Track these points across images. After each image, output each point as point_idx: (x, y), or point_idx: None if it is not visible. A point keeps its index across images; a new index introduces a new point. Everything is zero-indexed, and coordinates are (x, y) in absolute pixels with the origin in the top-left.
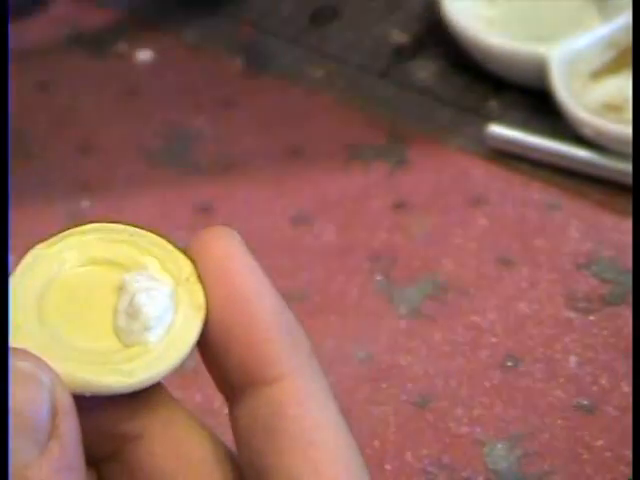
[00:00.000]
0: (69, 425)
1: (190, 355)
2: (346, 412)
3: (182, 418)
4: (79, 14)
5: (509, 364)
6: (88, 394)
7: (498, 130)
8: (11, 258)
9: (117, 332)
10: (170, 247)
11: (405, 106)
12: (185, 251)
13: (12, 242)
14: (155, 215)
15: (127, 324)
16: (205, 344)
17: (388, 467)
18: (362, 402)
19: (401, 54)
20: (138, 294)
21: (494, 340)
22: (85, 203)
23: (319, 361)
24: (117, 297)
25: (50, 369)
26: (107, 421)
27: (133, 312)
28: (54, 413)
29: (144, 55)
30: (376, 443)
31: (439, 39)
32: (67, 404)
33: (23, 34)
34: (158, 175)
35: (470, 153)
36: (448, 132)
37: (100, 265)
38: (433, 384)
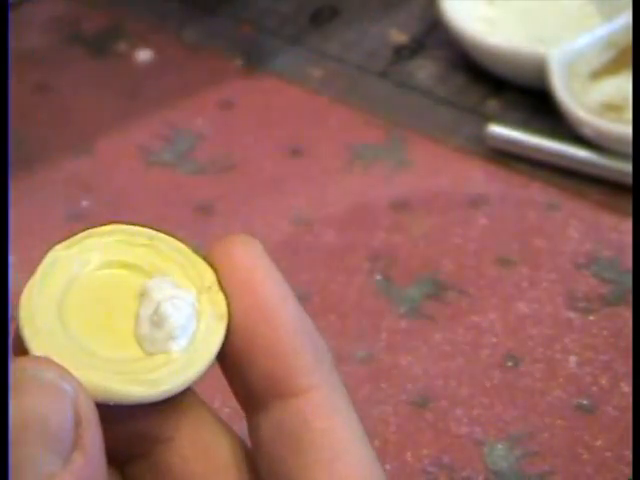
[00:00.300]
0: (92, 435)
1: (212, 365)
2: None
3: (211, 421)
4: (79, 14)
5: (509, 364)
6: (111, 403)
7: (498, 130)
8: (11, 259)
9: (139, 340)
10: (190, 253)
11: (405, 106)
12: (205, 258)
13: (12, 242)
14: (155, 215)
15: (151, 332)
16: (227, 354)
17: (388, 467)
18: (362, 402)
19: (401, 54)
20: (163, 302)
21: (494, 340)
22: (85, 203)
23: None
24: (139, 303)
25: (73, 378)
26: (138, 423)
27: (158, 321)
28: (77, 423)
29: (144, 55)
30: (376, 443)
31: (439, 39)
32: (90, 414)
33: (23, 34)
34: (158, 175)
35: (470, 153)
36: (448, 132)
37: (120, 269)
38: (433, 384)
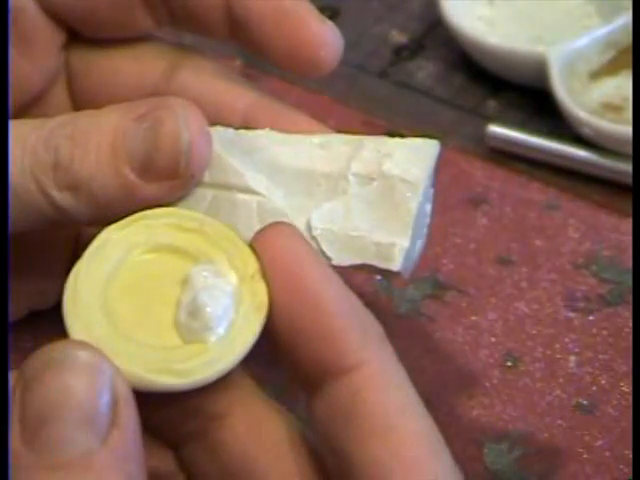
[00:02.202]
0: (129, 414)
1: (245, 356)
2: None
3: (262, 400)
4: None
5: (509, 364)
6: (143, 390)
7: (497, 130)
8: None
9: (178, 327)
10: (237, 240)
11: (404, 106)
12: (251, 245)
13: None
14: None
15: (188, 321)
16: (275, 339)
17: None
18: None
19: (400, 54)
20: (201, 293)
21: (494, 340)
22: None
23: None
24: (181, 290)
25: (108, 359)
26: (191, 400)
27: (194, 311)
28: (115, 402)
29: None
30: None
31: (438, 39)
32: (126, 394)
33: None
34: None
35: (470, 153)
36: (447, 132)
37: (168, 253)
38: (433, 384)
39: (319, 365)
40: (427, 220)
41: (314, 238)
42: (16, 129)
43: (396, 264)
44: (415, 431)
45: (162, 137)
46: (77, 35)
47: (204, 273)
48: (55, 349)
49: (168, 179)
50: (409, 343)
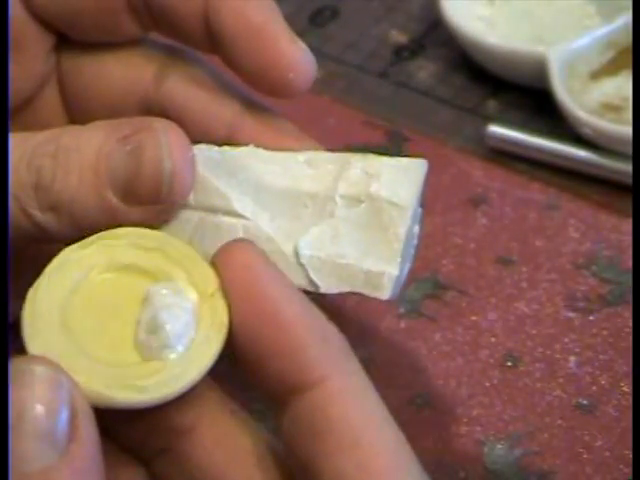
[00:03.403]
0: (88, 428)
1: (206, 375)
2: None
3: (229, 411)
4: None
5: (509, 364)
6: (102, 407)
7: (497, 130)
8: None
9: (137, 345)
10: (198, 258)
11: (405, 106)
12: (212, 263)
13: None
14: None
15: (147, 339)
16: (238, 357)
17: None
18: None
19: (400, 54)
20: (160, 311)
21: (494, 340)
22: None
23: None
24: (141, 309)
25: (66, 374)
26: (157, 414)
27: (153, 328)
28: (74, 415)
29: None
30: None
31: (438, 39)
32: (85, 408)
33: None
34: None
35: (470, 153)
36: (448, 132)
37: (128, 272)
38: (433, 384)
39: (281, 382)
40: (415, 242)
41: (302, 265)
42: None
43: (385, 293)
44: (381, 444)
45: (144, 164)
46: (68, 38)
47: (163, 291)
48: (12, 365)
49: (150, 204)
50: (409, 343)
